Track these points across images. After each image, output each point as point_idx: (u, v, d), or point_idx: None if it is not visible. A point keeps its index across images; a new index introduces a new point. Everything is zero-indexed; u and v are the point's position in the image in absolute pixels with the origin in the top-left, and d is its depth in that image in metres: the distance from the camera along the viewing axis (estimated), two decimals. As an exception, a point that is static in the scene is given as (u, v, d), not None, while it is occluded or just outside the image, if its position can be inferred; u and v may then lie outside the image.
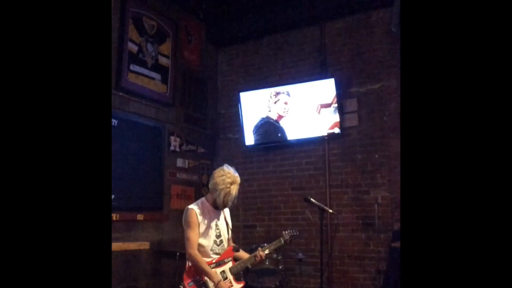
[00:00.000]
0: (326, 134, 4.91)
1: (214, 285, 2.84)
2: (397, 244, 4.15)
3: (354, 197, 4.82)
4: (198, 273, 2.90)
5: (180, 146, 5.12)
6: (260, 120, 5.20)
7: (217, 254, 3.01)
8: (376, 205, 4.58)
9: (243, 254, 3.13)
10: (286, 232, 3.31)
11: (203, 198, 3.11)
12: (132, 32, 4.42)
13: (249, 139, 5.31)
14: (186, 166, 5.18)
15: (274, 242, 3.26)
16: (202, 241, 2.95)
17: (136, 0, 4.49)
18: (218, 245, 3.02)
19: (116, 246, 3.61)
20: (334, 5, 4.97)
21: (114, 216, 3.97)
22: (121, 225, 4.14)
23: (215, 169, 3.12)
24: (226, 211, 3.17)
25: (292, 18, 5.23)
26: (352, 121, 4.91)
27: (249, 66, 5.68)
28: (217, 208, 3.04)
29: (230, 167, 3.02)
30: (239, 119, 5.34)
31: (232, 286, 2.98)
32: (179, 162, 5.08)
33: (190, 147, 5.29)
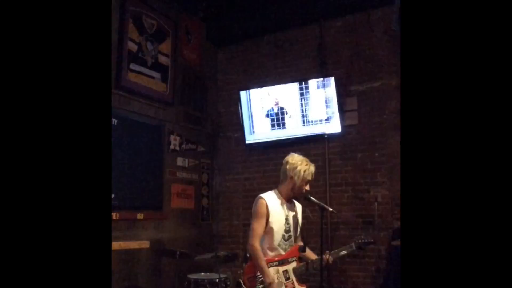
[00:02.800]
0: (326, 132, 4.91)
1: (266, 284, 2.73)
2: (397, 243, 4.16)
3: (354, 196, 4.82)
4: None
5: (180, 145, 5.12)
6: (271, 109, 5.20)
7: (284, 249, 2.91)
8: (376, 204, 4.59)
9: (309, 255, 3.01)
10: (360, 238, 3.10)
11: (274, 190, 3.03)
12: (132, 31, 4.42)
13: (256, 132, 5.30)
14: (186, 165, 5.18)
15: (345, 247, 3.06)
16: (270, 233, 2.85)
17: (135, -1, 4.49)
18: (286, 240, 2.93)
19: (116, 245, 3.62)
20: (334, 3, 4.97)
21: (114, 215, 3.97)
22: (121, 224, 4.14)
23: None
24: (298, 207, 3.11)
25: (292, 17, 5.23)
26: (352, 119, 4.91)
27: (249, 65, 5.67)
28: (291, 200, 2.99)
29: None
30: (239, 117, 5.34)
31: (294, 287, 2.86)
32: (179, 161, 5.08)
33: (190, 146, 5.29)
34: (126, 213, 4.19)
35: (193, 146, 5.35)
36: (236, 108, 5.41)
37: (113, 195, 3.92)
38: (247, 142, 5.31)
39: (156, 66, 4.72)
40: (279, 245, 2.89)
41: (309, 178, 2.98)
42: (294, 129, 5.08)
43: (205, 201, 5.46)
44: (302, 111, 5.01)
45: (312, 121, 4.97)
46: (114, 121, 4.12)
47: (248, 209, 5.59)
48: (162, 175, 4.76)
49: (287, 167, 2.97)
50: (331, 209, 3.65)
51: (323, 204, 3.49)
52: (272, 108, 5.15)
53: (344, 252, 3.03)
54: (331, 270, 4.77)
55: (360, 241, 3.02)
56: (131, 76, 4.39)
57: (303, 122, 5.02)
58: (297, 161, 2.98)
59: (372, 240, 3.07)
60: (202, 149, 5.49)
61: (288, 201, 2.99)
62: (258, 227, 2.83)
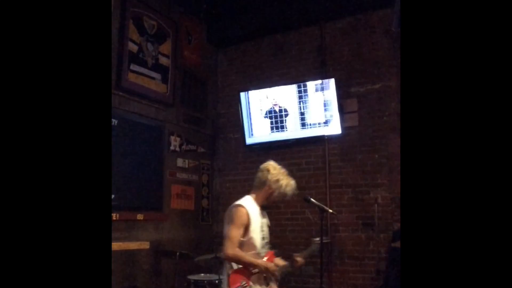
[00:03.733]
0: (326, 134, 4.91)
1: (262, 270, 2.73)
2: (397, 244, 4.16)
3: (354, 197, 4.82)
4: (245, 274, 2.74)
5: (180, 146, 5.12)
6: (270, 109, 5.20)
7: (261, 257, 2.87)
8: (376, 205, 4.59)
9: (279, 260, 2.99)
10: (316, 239, 3.19)
11: (248, 197, 2.94)
12: (132, 32, 4.42)
13: (255, 134, 5.30)
14: (186, 166, 5.19)
15: (308, 249, 3.15)
16: (251, 242, 2.78)
17: (136, 0, 4.49)
18: (262, 248, 2.89)
19: (116, 245, 3.62)
20: (334, 5, 4.97)
21: (114, 216, 3.97)
22: (121, 225, 4.14)
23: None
24: (266, 213, 3.05)
25: (292, 18, 5.23)
26: (352, 121, 4.91)
27: (249, 66, 5.68)
28: (264, 207, 2.92)
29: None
30: (239, 119, 5.34)
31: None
32: (179, 162, 5.08)
33: (190, 147, 5.29)
34: (126, 214, 4.19)
35: (193, 147, 5.35)
36: (236, 109, 5.41)
37: (113, 196, 3.92)
38: (247, 143, 5.31)
39: (157, 67, 4.73)
40: (258, 253, 2.84)
41: (290, 193, 2.94)
42: (292, 131, 5.08)
43: (205, 202, 5.46)
44: (301, 114, 5.02)
45: (310, 124, 4.98)
46: (114, 121, 4.12)
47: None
48: (162, 176, 4.76)
49: (268, 177, 2.88)
50: (331, 211, 3.66)
51: (323, 206, 3.50)
52: (273, 109, 5.15)
53: (307, 253, 3.12)
54: (330, 271, 4.77)
55: (317, 242, 3.16)
56: (132, 77, 4.40)
57: (302, 125, 5.02)
58: (279, 174, 2.90)
59: (329, 240, 3.27)
60: (202, 150, 5.49)
61: (261, 207, 2.94)
62: (236, 235, 2.73)
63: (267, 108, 5.17)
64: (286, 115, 5.08)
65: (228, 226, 2.77)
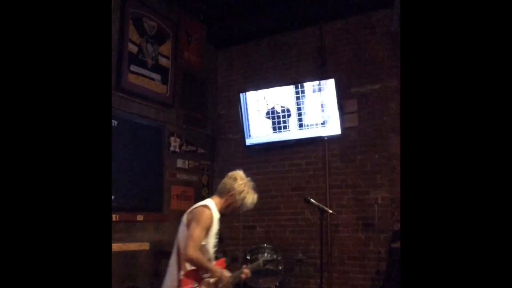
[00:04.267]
0: (323, 135, 4.91)
1: (218, 278, 2.67)
2: (397, 245, 4.16)
3: (354, 198, 4.82)
4: (197, 278, 2.67)
5: (180, 146, 5.12)
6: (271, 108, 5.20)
7: (209, 261, 2.78)
8: (376, 206, 4.59)
9: (226, 271, 2.88)
10: (263, 256, 3.41)
11: (211, 201, 2.83)
12: (132, 33, 4.42)
13: (253, 135, 5.30)
14: (186, 167, 5.18)
15: (255, 263, 3.27)
16: (207, 246, 2.71)
17: (136, 1, 4.49)
18: (212, 254, 2.81)
19: (116, 246, 3.61)
20: (334, 5, 4.98)
21: (114, 217, 3.97)
22: (121, 226, 4.13)
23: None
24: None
25: (292, 18, 5.24)
26: (352, 121, 4.91)
27: (249, 66, 5.68)
28: (224, 214, 2.85)
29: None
30: (239, 119, 5.34)
31: None
32: (179, 163, 5.08)
33: (190, 147, 5.29)
34: (126, 215, 4.19)
35: (193, 148, 5.35)
36: (236, 110, 5.41)
37: (113, 197, 3.92)
38: (247, 144, 5.31)
39: (157, 67, 4.73)
40: (209, 259, 2.76)
41: (251, 207, 2.91)
42: (289, 132, 5.08)
43: (205, 202, 5.45)
44: (299, 115, 5.02)
45: (308, 125, 4.98)
46: (114, 122, 4.12)
47: (248, 210, 5.59)
48: (162, 177, 4.76)
49: (234, 185, 2.82)
50: (331, 211, 3.67)
51: (322, 206, 3.51)
52: (275, 110, 5.14)
53: (254, 268, 3.23)
54: (330, 272, 4.77)
55: (264, 259, 3.40)
56: (131, 78, 4.40)
57: (299, 126, 5.02)
58: (245, 185, 2.85)
59: (275, 257, 3.64)
60: (202, 150, 5.49)
61: (223, 214, 2.86)
62: (200, 236, 2.62)
63: (266, 108, 5.16)
64: (289, 115, 5.07)
65: (193, 226, 2.64)
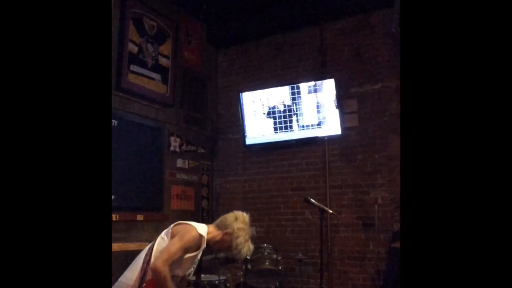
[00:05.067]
0: (322, 135, 4.91)
1: None
2: (397, 245, 4.16)
3: (354, 198, 4.82)
4: None
5: (180, 146, 5.12)
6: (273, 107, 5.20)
7: (173, 280, 2.55)
8: (376, 206, 4.59)
9: None
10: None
11: (205, 228, 2.63)
12: (132, 33, 4.42)
13: (248, 136, 5.30)
14: (186, 167, 5.19)
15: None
16: (181, 263, 2.53)
17: (136, 1, 4.49)
18: (184, 277, 2.65)
19: (116, 246, 3.62)
20: (334, 5, 4.98)
21: (114, 217, 3.97)
22: (121, 226, 4.14)
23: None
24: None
25: (292, 18, 5.24)
26: (352, 121, 4.91)
27: (249, 66, 5.68)
28: (211, 248, 2.66)
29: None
30: (239, 119, 5.34)
31: None
32: (179, 163, 5.08)
33: (190, 147, 5.29)
34: (126, 215, 4.19)
35: (193, 148, 5.35)
36: (236, 110, 5.42)
37: (113, 197, 3.92)
38: (247, 143, 5.31)
39: (157, 67, 4.73)
40: (177, 276, 2.57)
41: (242, 257, 2.69)
42: (289, 133, 5.09)
43: (205, 202, 5.46)
44: (296, 115, 5.03)
45: (304, 126, 4.99)
46: (114, 122, 4.12)
47: (248, 210, 5.57)
48: (162, 177, 4.76)
49: (234, 226, 2.59)
50: (331, 211, 3.67)
51: (323, 206, 3.51)
52: (275, 110, 5.14)
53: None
54: (330, 272, 4.78)
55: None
56: (131, 78, 4.40)
57: (298, 126, 5.03)
58: (244, 231, 2.60)
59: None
60: (202, 150, 5.49)
61: (210, 249, 2.69)
62: (177, 254, 2.45)
63: (265, 108, 5.16)
64: (290, 116, 5.07)
65: (175, 240, 2.48)
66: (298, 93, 4.98)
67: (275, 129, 5.13)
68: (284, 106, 5.09)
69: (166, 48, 4.87)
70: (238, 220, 2.63)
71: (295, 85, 5.02)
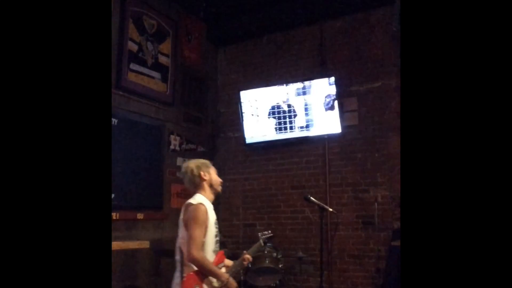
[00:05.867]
0: (326, 133, 4.91)
1: (223, 284, 2.68)
2: (397, 243, 4.16)
3: (354, 196, 4.82)
4: (199, 278, 2.65)
5: (180, 145, 5.12)
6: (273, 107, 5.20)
7: (214, 252, 2.81)
8: (376, 204, 4.59)
9: (228, 261, 2.96)
10: (262, 234, 3.29)
11: (200, 195, 2.90)
12: (132, 31, 4.42)
13: (252, 134, 5.30)
14: (186, 165, 5.18)
15: (255, 245, 3.18)
16: (207, 239, 2.72)
17: (136, -1, 4.49)
18: (215, 244, 2.83)
19: (116, 245, 3.62)
20: (334, 4, 4.97)
21: (114, 215, 3.97)
22: (121, 224, 4.14)
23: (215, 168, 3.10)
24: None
25: (292, 17, 5.23)
26: (352, 120, 4.91)
27: (249, 65, 5.68)
28: (212, 199, 2.95)
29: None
30: (239, 118, 5.34)
31: None
32: (179, 161, 5.07)
33: (190, 146, 5.29)
34: (126, 213, 4.19)
35: (193, 146, 5.35)
36: (236, 108, 5.41)
37: (113, 195, 3.92)
38: (247, 142, 5.31)
39: (156, 66, 4.72)
40: (214, 250, 2.79)
41: (211, 165, 3.03)
42: (289, 132, 5.09)
43: (205, 201, 5.45)
44: (292, 116, 5.05)
45: (298, 127, 5.02)
46: (114, 121, 4.12)
47: (248, 209, 5.64)
48: (162, 175, 4.76)
49: (194, 172, 2.92)
50: (331, 209, 3.67)
51: (323, 205, 3.51)
52: (276, 110, 5.14)
53: (255, 249, 3.19)
54: (330, 270, 4.78)
55: (264, 236, 3.27)
56: (131, 76, 4.40)
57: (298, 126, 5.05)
58: (194, 161, 3.00)
59: (271, 234, 3.38)
60: (202, 149, 5.49)
61: (212, 203, 2.93)
62: (200, 235, 2.66)
63: (264, 107, 5.16)
64: (290, 116, 5.07)
65: (192, 226, 2.68)
66: (298, 93, 4.98)
67: (276, 129, 5.13)
68: (289, 106, 5.09)
69: (166, 47, 4.87)
70: (193, 168, 2.95)
71: (295, 84, 5.01)
